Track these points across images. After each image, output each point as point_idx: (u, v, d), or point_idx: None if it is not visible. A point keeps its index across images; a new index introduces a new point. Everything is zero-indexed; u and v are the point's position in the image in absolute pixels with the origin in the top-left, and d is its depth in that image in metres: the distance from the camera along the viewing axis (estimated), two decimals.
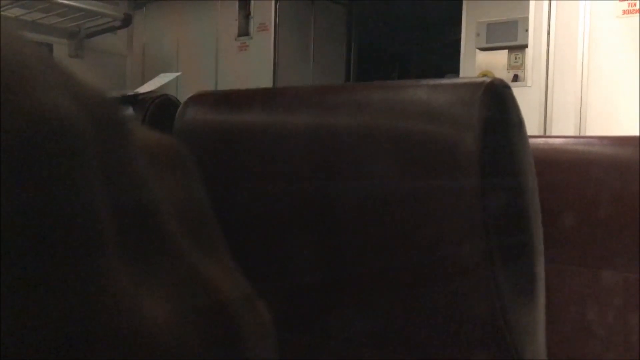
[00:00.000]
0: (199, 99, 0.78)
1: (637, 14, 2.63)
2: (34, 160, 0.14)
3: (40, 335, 0.13)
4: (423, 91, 0.59)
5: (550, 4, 2.86)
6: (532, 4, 2.90)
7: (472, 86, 0.55)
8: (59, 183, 0.14)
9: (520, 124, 0.58)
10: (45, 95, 0.14)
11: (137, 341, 0.15)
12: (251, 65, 3.82)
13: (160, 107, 0.84)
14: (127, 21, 3.98)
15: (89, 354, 0.14)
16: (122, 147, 0.17)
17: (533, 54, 2.93)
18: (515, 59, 3.07)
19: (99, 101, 0.16)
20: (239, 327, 0.18)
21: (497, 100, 0.55)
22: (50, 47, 3.91)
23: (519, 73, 3.04)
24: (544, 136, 2.47)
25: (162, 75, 0.96)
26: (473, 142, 0.53)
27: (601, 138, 1.25)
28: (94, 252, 0.14)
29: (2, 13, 3.56)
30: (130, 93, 0.84)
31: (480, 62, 3.18)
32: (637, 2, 2.63)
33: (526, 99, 2.81)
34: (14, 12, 3.63)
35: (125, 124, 0.17)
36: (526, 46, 2.97)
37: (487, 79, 0.55)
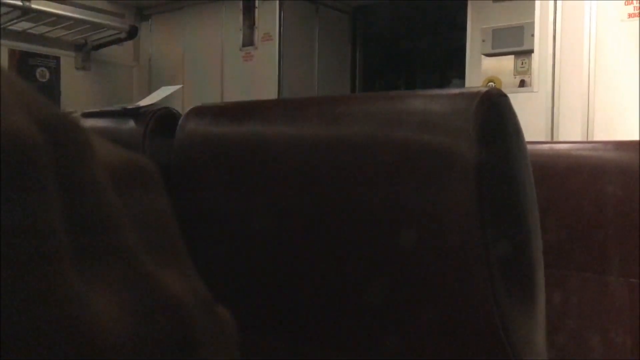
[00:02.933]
0: (200, 111, 0.78)
1: None
2: None
3: None
4: (420, 101, 0.59)
5: (555, 8, 2.85)
6: (537, 8, 2.89)
7: (468, 96, 0.56)
8: (13, 196, 0.14)
9: (517, 132, 0.58)
10: (2, 113, 0.15)
11: (88, 347, 0.15)
12: (256, 75, 3.83)
13: (162, 120, 0.85)
14: (133, 33, 4.01)
15: (37, 357, 0.14)
16: (81, 163, 0.17)
17: (539, 59, 2.91)
18: (522, 64, 3.05)
19: (57, 119, 0.16)
20: (193, 332, 0.19)
21: (493, 109, 0.55)
22: (57, 59, 3.95)
23: (526, 78, 3.01)
24: (549, 142, 2.46)
25: (163, 88, 0.97)
26: (469, 151, 0.53)
27: (605, 143, 1.24)
28: (45, 263, 0.15)
29: (10, 27, 3.60)
30: (132, 106, 0.85)
31: (486, 68, 3.16)
32: None
33: (533, 105, 2.80)
34: (22, 25, 3.67)
35: (85, 142, 0.17)
36: (532, 51, 2.95)
37: (483, 89, 0.55)
